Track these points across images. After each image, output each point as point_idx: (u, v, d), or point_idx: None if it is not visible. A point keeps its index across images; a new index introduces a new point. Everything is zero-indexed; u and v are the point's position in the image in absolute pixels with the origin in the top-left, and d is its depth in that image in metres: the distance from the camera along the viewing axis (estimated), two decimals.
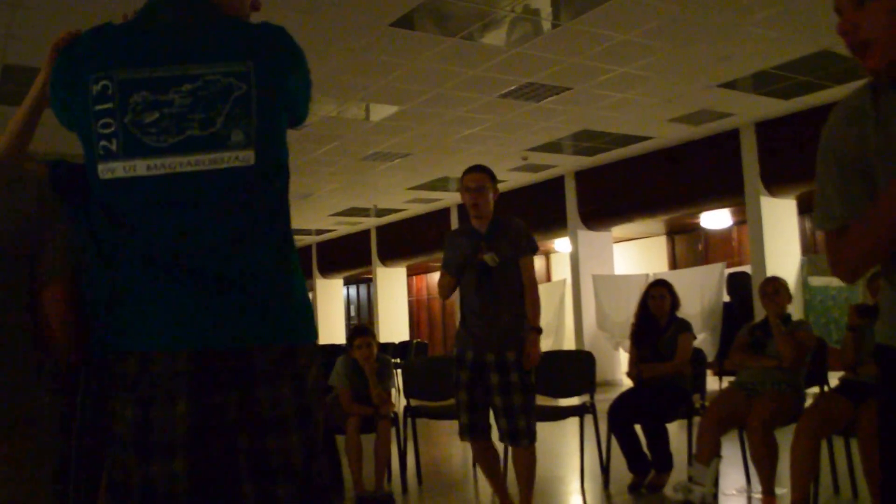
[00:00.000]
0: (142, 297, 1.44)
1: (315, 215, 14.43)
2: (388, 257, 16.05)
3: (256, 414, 1.43)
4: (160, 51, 1.49)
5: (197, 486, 1.39)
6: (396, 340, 14.36)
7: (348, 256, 16.95)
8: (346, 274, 18.14)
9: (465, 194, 3.87)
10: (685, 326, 4.84)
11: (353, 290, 21.69)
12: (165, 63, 1.47)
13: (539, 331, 3.79)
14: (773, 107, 8.66)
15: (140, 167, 1.45)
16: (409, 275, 17.87)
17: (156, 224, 1.46)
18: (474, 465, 5.64)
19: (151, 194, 1.46)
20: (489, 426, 3.84)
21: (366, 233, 16.32)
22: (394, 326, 16.10)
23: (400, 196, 13.02)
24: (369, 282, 17.00)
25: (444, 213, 14.09)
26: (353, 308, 21.76)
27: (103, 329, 1.49)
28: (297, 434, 1.46)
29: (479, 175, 3.85)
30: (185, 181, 1.46)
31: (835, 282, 9.10)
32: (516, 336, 3.74)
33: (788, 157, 9.03)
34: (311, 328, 1.55)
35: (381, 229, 16.02)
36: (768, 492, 3.94)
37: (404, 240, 15.43)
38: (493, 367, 3.73)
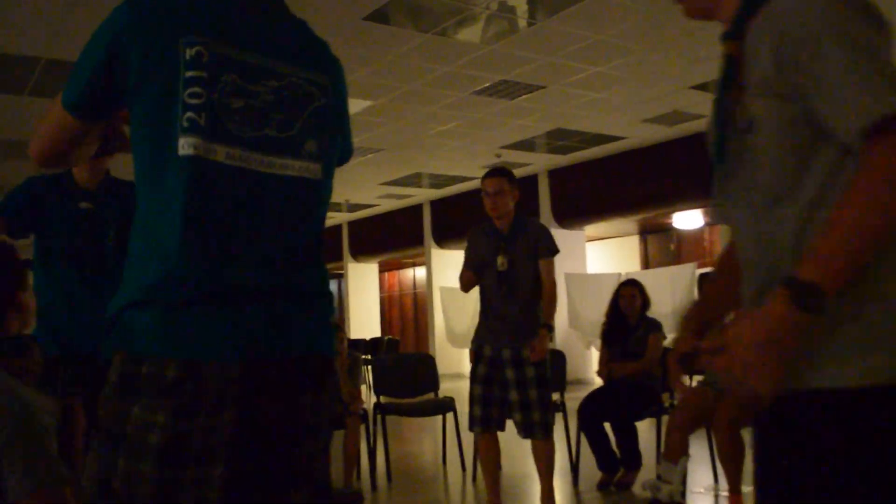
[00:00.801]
0: (194, 299, 1.30)
1: None
2: (359, 253, 15.99)
3: (300, 421, 1.39)
4: (251, 35, 1.39)
5: (231, 494, 1.31)
6: (367, 337, 14.32)
7: None
8: None
9: (485, 198, 3.97)
10: (655, 326, 4.87)
11: None
12: (256, 50, 1.38)
13: (550, 328, 3.93)
14: None
15: (220, 152, 1.32)
16: (381, 271, 17.82)
17: (219, 221, 1.33)
18: (444, 463, 5.64)
19: (221, 186, 1.33)
20: (503, 420, 3.95)
21: (337, 228, 16.25)
22: (365, 323, 16.06)
23: (372, 191, 12.97)
24: (340, 277, 16.93)
25: (417, 209, 14.06)
26: None
27: (127, 327, 1.32)
28: (325, 440, 1.45)
29: (498, 179, 3.96)
30: (256, 180, 1.35)
31: None
32: (532, 333, 3.86)
33: None
34: (333, 337, 1.53)
35: (352, 224, 15.95)
36: (735, 490, 3.97)
37: (376, 235, 15.38)
38: (510, 363, 3.86)
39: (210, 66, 1.32)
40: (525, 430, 3.85)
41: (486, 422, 3.91)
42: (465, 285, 4.11)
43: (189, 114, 1.30)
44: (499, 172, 4.01)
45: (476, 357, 3.98)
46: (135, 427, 1.28)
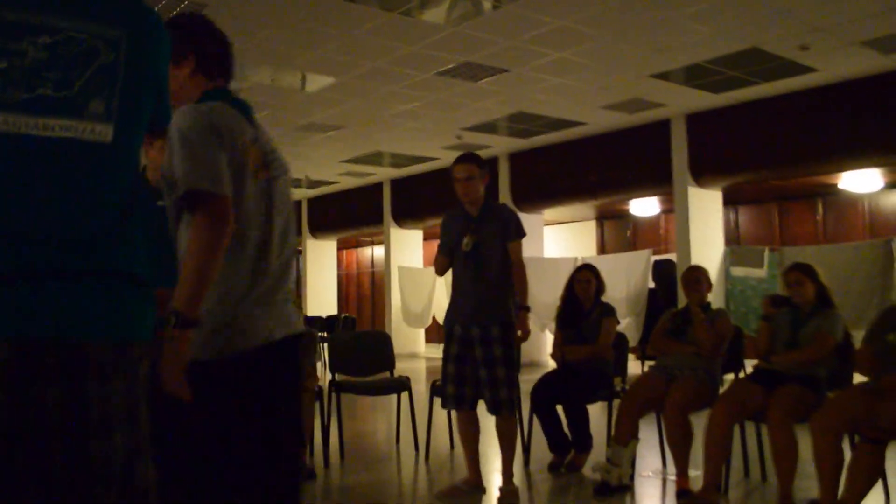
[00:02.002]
0: None
1: None
2: (318, 229, 15.90)
3: (81, 413, 1.25)
4: None
5: (7, 493, 1.19)
6: (324, 314, 14.27)
7: None
8: None
9: (457, 184, 4.11)
10: (609, 311, 4.93)
11: None
12: (19, 5, 1.27)
13: (527, 309, 4.07)
14: (704, 100, 8.84)
15: None
16: (340, 248, 17.73)
17: None
18: (397, 442, 5.67)
19: None
20: (476, 399, 4.05)
21: (297, 204, 16.10)
22: (322, 300, 15.98)
23: (333, 168, 12.88)
24: (298, 254, 16.80)
25: (377, 187, 14.00)
26: None
27: None
28: (121, 435, 1.30)
29: (467, 165, 4.10)
30: (29, 146, 1.25)
31: (755, 272, 9.39)
32: (500, 312, 3.97)
33: (716, 150, 9.26)
34: (152, 321, 1.40)
35: (312, 201, 15.84)
36: (682, 474, 4.06)
37: (336, 213, 15.29)
38: (478, 341, 3.97)
39: None
40: (492, 408, 3.96)
41: (459, 400, 4.04)
42: (440, 269, 4.24)
43: None
44: (469, 158, 4.15)
45: (447, 336, 4.10)
46: None
